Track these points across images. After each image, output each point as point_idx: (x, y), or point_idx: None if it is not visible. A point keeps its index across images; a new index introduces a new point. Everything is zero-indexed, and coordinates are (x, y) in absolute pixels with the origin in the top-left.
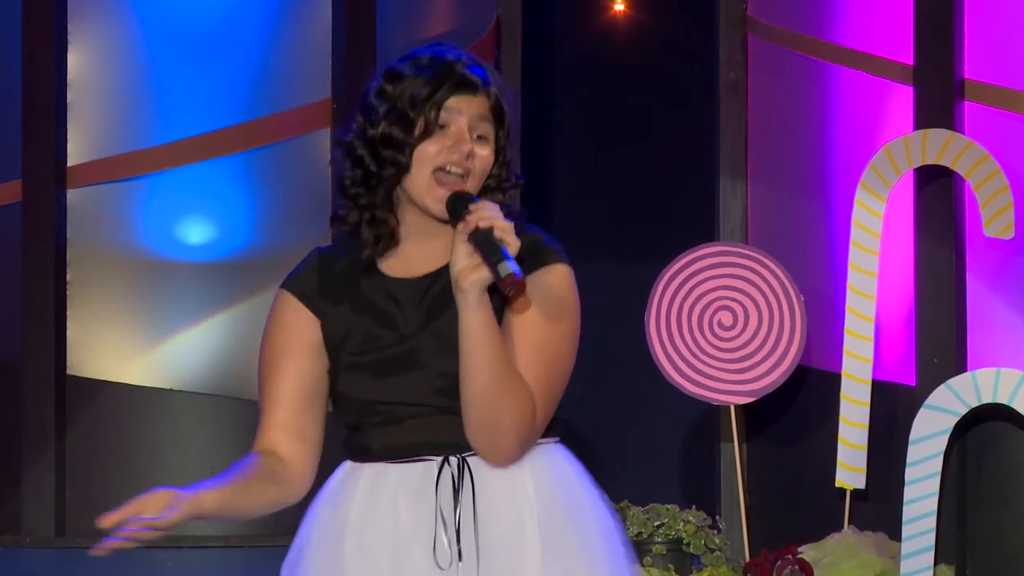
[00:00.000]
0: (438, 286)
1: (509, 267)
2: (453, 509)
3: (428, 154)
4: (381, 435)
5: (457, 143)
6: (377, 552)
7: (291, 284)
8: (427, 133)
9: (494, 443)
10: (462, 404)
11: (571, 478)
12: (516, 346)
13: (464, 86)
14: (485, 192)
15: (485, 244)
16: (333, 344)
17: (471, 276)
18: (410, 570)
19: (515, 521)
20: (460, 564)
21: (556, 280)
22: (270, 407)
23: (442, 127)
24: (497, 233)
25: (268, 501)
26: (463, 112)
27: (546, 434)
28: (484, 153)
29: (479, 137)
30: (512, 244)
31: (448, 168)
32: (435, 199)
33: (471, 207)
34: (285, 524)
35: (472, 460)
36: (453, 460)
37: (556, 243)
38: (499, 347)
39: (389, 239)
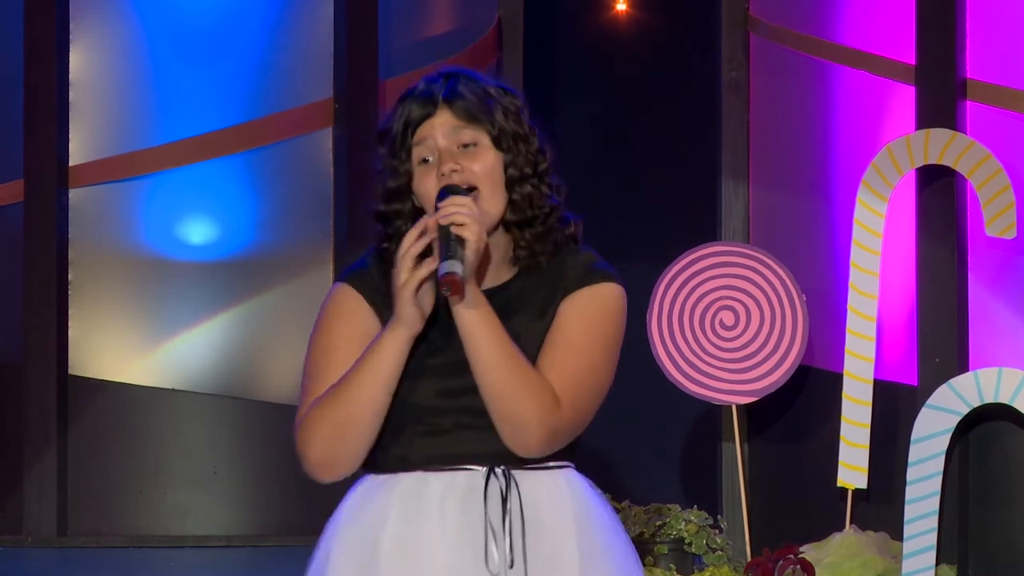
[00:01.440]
0: (499, 298)
1: (443, 267)
2: (502, 518)
3: (425, 190)
4: (423, 445)
5: (440, 167)
6: (423, 559)
7: (351, 279)
8: (407, 174)
9: (519, 435)
10: (484, 400)
11: (596, 497)
12: (548, 344)
13: (423, 106)
14: (512, 185)
15: (442, 241)
16: None
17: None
18: None
19: (558, 531)
20: (510, 572)
21: (605, 295)
22: (316, 387)
23: (427, 160)
24: (453, 231)
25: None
26: (434, 135)
27: (562, 458)
28: (478, 158)
29: (465, 146)
30: (471, 237)
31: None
32: None
33: (438, 204)
34: (288, 524)
35: (518, 473)
36: (499, 471)
37: (608, 265)
38: (499, 343)
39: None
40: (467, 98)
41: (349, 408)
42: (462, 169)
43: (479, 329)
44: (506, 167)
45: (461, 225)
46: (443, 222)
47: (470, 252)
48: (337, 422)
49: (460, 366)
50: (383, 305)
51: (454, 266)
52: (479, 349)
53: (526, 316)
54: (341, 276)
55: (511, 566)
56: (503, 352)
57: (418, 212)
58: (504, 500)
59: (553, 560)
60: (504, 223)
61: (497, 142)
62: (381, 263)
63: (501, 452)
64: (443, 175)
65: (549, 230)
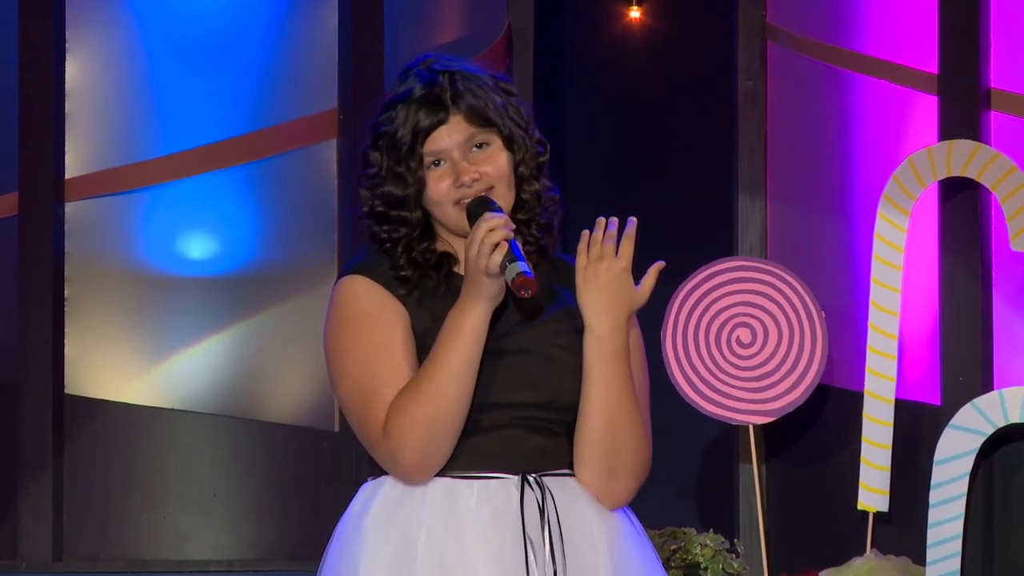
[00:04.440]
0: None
1: (518, 267)
2: (541, 531)
3: (440, 194)
4: (456, 445)
5: (458, 176)
6: (459, 573)
7: (364, 270)
8: (420, 182)
9: (614, 481)
10: (577, 438)
11: (624, 510)
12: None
13: (433, 113)
14: (521, 186)
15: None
16: (417, 337)
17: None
18: None
19: (591, 538)
20: None
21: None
22: (382, 387)
23: (438, 163)
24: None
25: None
26: (447, 143)
27: None
28: (493, 159)
29: (478, 146)
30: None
31: (465, 200)
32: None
33: (484, 215)
34: (291, 548)
35: (549, 481)
36: (532, 479)
37: None
38: (627, 386)
39: (438, 266)
40: (476, 101)
41: (443, 402)
42: (480, 177)
43: (613, 366)
44: (516, 166)
45: (517, 237)
46: (505, 235)
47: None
48: (433, 419)
49: (496, 365)
50: (406, 297)
51: (528, 268)
52: (609, 388)
53: (569, 322)
54: (348, 270)
55: None
56: (629, 397)
57: (427, 218)
58: (542, 511)
59: (590, 570)
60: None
61: (508, 142)
62: (385, 260)
63: (541, 460)
64: (464, 185)
65: (551, 222)
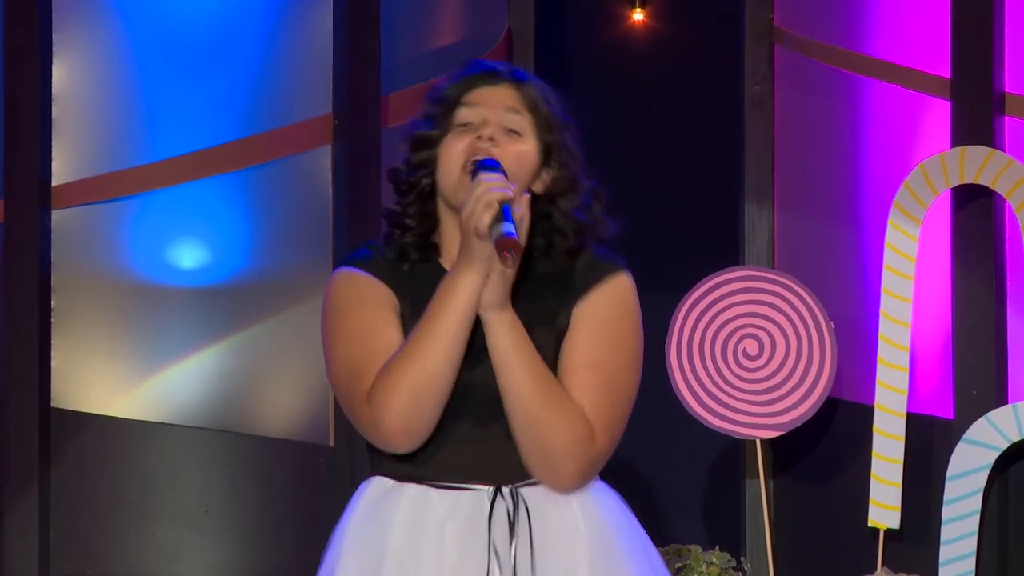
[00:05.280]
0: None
1: (502, 228)
2: (509, 544)
3: (452, 150)
4: (431, 451)
5: (478, 135)
6: None
7: (358, 263)
8: (448, 126)
9: (550, 468)
10: (511, 427)
11: (620, 516)
12: (573, 367)
13: (485, 77)
14: (554, 201)
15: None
16: (405, 323)
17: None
18: None
19: (569, 559)
20: None
21: (614, 294)
22: (370, 360)
23: (465, 125)
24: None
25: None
26: (484, 103)
27: None
28: (518, 147)
29: (510, 131)
30: (517, 211)
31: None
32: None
33: (480, 174)
34: (284, 567)
35: (526, 492)
36: (506, 491)
37: (609, 252)
38: (533, 368)
39: (427, 250)
40: (533, 85)
41: (428, 365)
42: (498, 144)
43: (512, 353)
44: (552, 177)
45: (511, 200)
46: (500, 197)
47: (522, 230)
48: (417, 382)
49: (473, 373)
50: (402, 291)
51: (515, 229)
52: (511, 374)
53: (538, 323)
54: (344, 263)
55: None
56: (537, 378)
57: (432, 171)
58: (511, 524)
59: None
60: None
61: (544, 146)
62: (387, 251)
63: (518, 471)
64: (479, 141)
65: (568, 250)
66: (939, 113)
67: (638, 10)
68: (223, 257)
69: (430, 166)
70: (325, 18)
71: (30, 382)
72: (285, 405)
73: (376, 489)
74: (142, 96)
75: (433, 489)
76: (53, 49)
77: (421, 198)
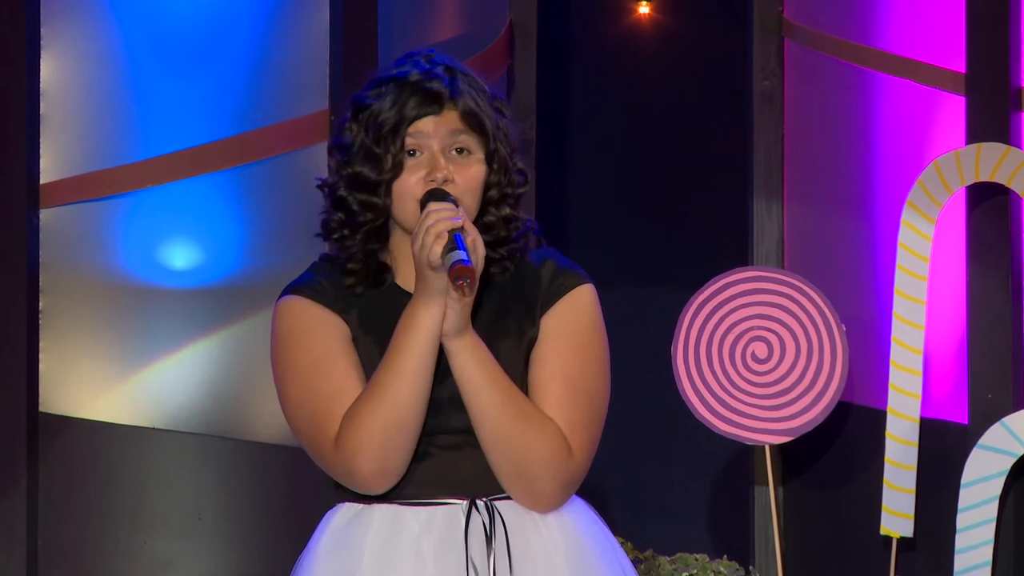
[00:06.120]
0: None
1: (455, 256)
2: (487, 558)
3: (407, 187)
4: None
5: (432, 171)
6: None
7: (301, 291)
8: (398, 167)
9: (529, 488)
10: (483, 449)
11: (595, 529)
12: (545, 380)
13: (428, 103)
14: (487, 207)
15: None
16: (359, 350)
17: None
18: None
19: (548, 570)
20: None
21: (580, 306)
22: (328, 402)
23: (413, 153)
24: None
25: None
26: (432, 134)
27: None
28: (469, 169)
29: (459, 151)
30: (469, 236)
31: None
32: None
33: (429, 206)
34: (278, 575)
35: (501, 505)
36: (481, 504)
37: (572, 263)
38: (502, 388)
39: (378, 275)
40: (473, 104)
41: (396, 405)
42: (452, 180)
43: (478, 376)
44: (488, 187)
45: (461, 229)
46: (448, 227)
47: (476, 255)
48: (388, 424)
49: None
50: (348, 316)
51: (468, 256)
52: (479, 396)
53: (504, 337)
54: (286, 291)
55: None
56: (506, 398)
57: (380, 213)
58: (488, 538)
59: None
60: None
61: (489, 158)
62: (330, 274)
63: (492, 483)
64: (434, 180)
65: (515, 250)
66: (954, 109)
67: (644, 3)
68: (216, 257)
69: (375, 209)
70: (322, 11)
71: (17, 385)
72: (279, 410)
73: (345, 514)
74: (133, 92)
75: (405, 507)
76: (41, 43)
77: (367, 237)
